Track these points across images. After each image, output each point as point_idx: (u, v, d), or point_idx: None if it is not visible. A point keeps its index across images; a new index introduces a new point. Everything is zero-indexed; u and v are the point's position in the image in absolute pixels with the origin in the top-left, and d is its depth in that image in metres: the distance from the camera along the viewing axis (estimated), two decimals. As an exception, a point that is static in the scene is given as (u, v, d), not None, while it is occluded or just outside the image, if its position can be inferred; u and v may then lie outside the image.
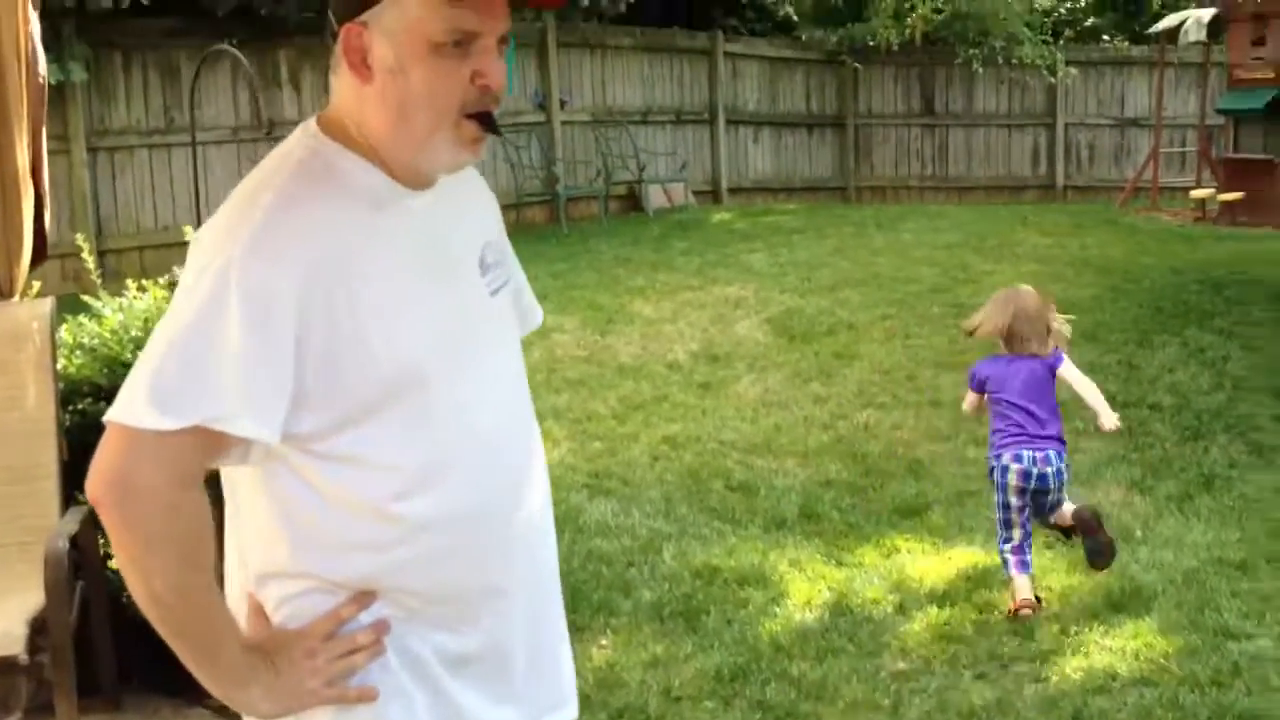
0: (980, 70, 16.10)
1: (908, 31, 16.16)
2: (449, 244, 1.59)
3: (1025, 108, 16.68)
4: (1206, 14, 13.67)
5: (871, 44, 16.14)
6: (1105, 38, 18.90)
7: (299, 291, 1.41)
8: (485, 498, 1.55)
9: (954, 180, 16.60)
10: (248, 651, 1.48)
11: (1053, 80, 16.17)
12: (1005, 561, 4.20)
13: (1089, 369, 7.14)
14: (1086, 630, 3.99)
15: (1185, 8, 16.23)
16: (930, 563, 4.67)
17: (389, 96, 1.49)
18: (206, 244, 1.47)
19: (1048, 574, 4.50)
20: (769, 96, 16.28)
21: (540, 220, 13.41)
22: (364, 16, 1.48)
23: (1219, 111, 14.00)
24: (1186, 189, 14.60)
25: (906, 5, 16.01)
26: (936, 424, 6.47)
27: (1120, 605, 4.18)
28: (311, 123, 1.57)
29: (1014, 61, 15.95)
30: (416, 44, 1.46)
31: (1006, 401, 4.34)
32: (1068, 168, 16.64)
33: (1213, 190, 13.39)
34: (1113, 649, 3.85)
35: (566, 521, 5.01)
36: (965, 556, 4.71)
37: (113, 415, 1.40)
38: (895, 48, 16.11)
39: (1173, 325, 8.02)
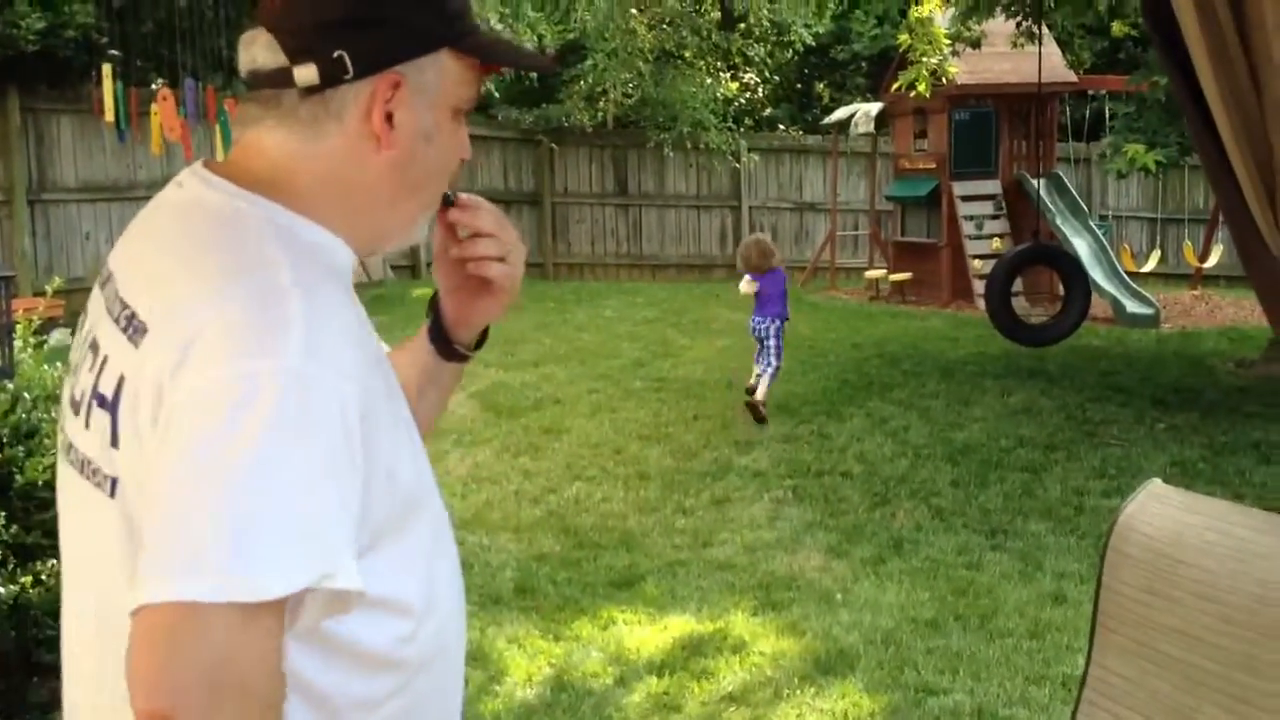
0: (670, 153, 16.77)
1: (600, 114, 16.68)
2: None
3: (713, 190, 17.46)
4: (874, 108, 14.77)
5: (566, 124, 16.55)
6: (781, 127, 20.09)
7: (356, 404, 1.11)
8: (459, 626, 1.33)
9: (648, 258, 17.14)
10: None
11: (737, 165, 17.02)
12: None
13: (785, 440, 7.56)
14: (799, 693, 4.12)
15: (852, 101, 17.51)
16: (647, 633, 4.72)
17: (409, 167, 1.26)
18: (230, 346, 1.08)
19: (758, 639, 4.63)
20: (466, 173, 16.35)
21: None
22: (402, 68, 1.23)
23: (887, 198, 15.10)
24: (860, 269, 15.64)
25: (599, 89, 16.54)
26: (645, 495, 6.59)
27: (828, 667, 4.35)
28: (211, 175, 1.26)
29: (701, 146, 16.71)
30: (445, 110, 1.27)
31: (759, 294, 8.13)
32: (753, 248, 17.48)
33: (884, 271, 14.39)
34: (824, 710, 3.99)
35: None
36: (680, 625, 4.78)
37: (189, 592, 0.99)
38: (589, 129, 16.58)
39: (858, 397, 8.51)
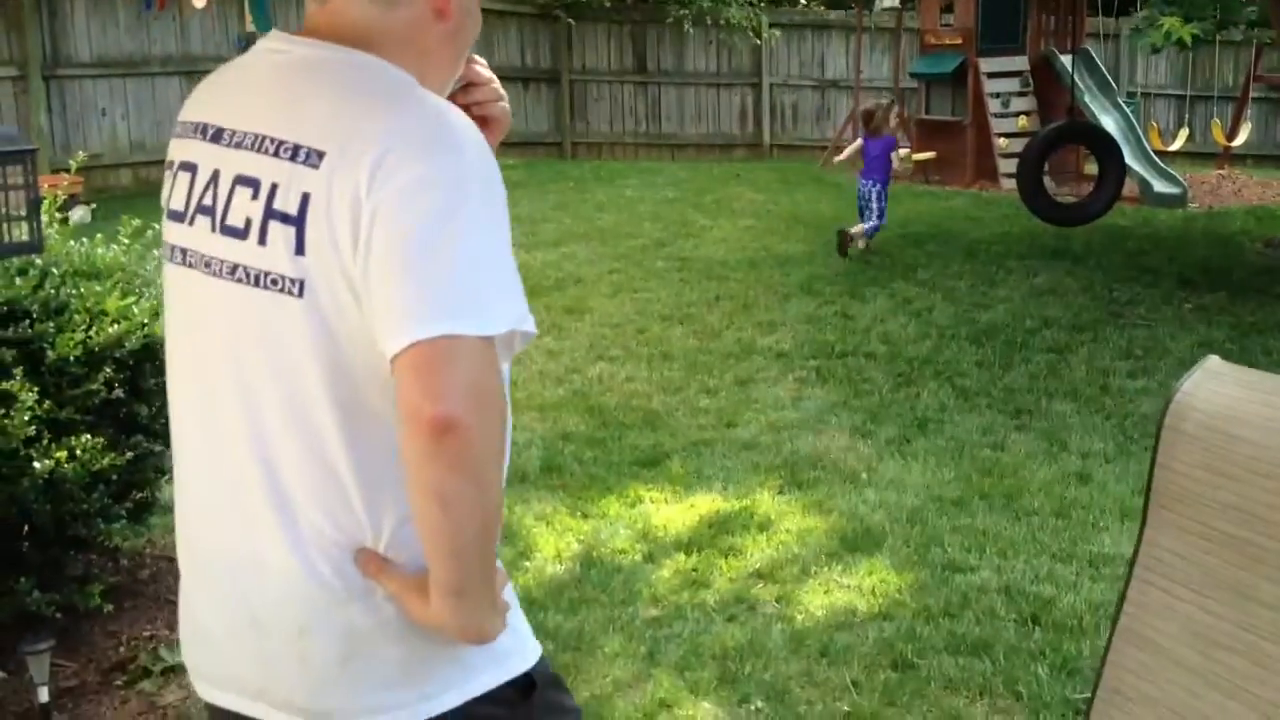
0: (690, 30, 16.44)
1: (620, -12, 16.34)
2: None
3: (733, 68, 17.15)
4: (900, -19, 14.43)
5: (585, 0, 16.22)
6: (802, 2, 19.65)
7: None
8: None
9: (667, 137, 16.92)
10: None
11: (758, 42, 16.69)
12: None
13: (807, 320, 7.53)
14: (826, 570, 4.16)
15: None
16: (674, 511, 4.75)
17: (457, 37, 1.46)
18: (443, 159, 1.31)
19: (785, 517, 4.66)
20: (483, 49, 15.94)
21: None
22: None
23: (911, 75, 14.82)
24: (883, 149, 15.42)
25: (618, -38, 16.17)
26: (669, 375, 6.59)
27: (854, 545, 4.38)
28: (308, 39, 1.44)
29: (721, 22, 16.37)
30: None
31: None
32: (774, 127, 17.24)
33: (908, 150, 14.18)
34: (851, 587, 4.03)
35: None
36: (707, 503, 4.82)
37: (461, 328, 1.25)
38: (607, 4, 16.25)
39: (881, 278, 8.45)
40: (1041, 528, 4.57)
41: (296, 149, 1.33)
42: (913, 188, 13.02)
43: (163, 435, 3.72)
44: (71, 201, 10.20)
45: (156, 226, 4.02)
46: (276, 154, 1.35)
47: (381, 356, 1.27)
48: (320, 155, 1.32)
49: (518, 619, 1.48)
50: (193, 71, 12.74)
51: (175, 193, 1.46)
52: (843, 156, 9.67)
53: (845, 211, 11.05)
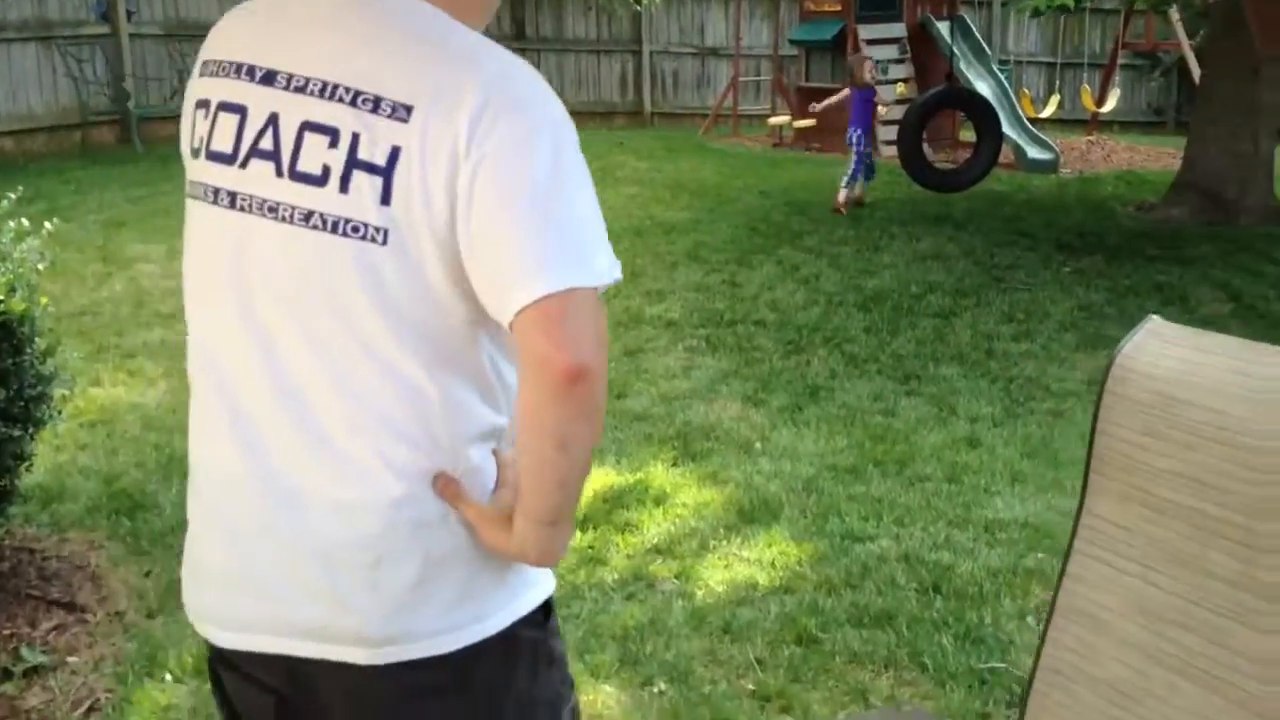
0: (569, -5, 16.23)
1: (496, -47, 15.98)
2: None
3: (613, 34, 16.97)
4: (779, -52, 14.38)
5: (460, -36, 15.85)
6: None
7: None
8: None
9: (546, 105, 16.66)
10: None
11: (638, 8, 16.53)
12: None
13: (696, 289, 7.45)
14: (724, 543, 4.08)
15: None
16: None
17: None
18: (542, 114, 1.34)
19: (680, 490, 4.57)
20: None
21: (111, 141, 12.29)
22: None
23: (791, 42, 14.81)
24: (762, 116, 15.41)
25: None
26: (556, 347, 6.44)
27: (751, 517, 4.30)
28: None
29: (601, -12, 16.18)
30: None
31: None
32: (654, 94, 17.12)
33: (788, 118, 14.18)
34: (750, 560, 3.95)
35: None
36: (600, 477, 4.69)
37: (571, 282, 1.28)
38: (484, -31, 15.90)
39: (768, 245, 8.41)
40: (936, 494, 4.55)
41: (379, 101, 1.33)
42: (795, 154, 13.03)
43: (20, 419, 3.47)
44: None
45: (13, 195, 3.74)
46: (355, 104, 1.34)
47: (460, 302, 1.34)
48: (408, 109, 1.32)
49: None
50: (49, 38, 12.13)
51: (218, 134, 1.42)
52: (828, 103, 10.74)
53: (730, 178, 10.99)
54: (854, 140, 9.84)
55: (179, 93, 12.66)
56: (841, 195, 9.57)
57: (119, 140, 12.29)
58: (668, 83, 17.24)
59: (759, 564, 3.92)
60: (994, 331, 6.68)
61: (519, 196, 1.29)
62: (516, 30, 16.74)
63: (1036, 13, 9.82)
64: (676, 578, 3.84)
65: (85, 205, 9.18)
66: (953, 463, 4.93)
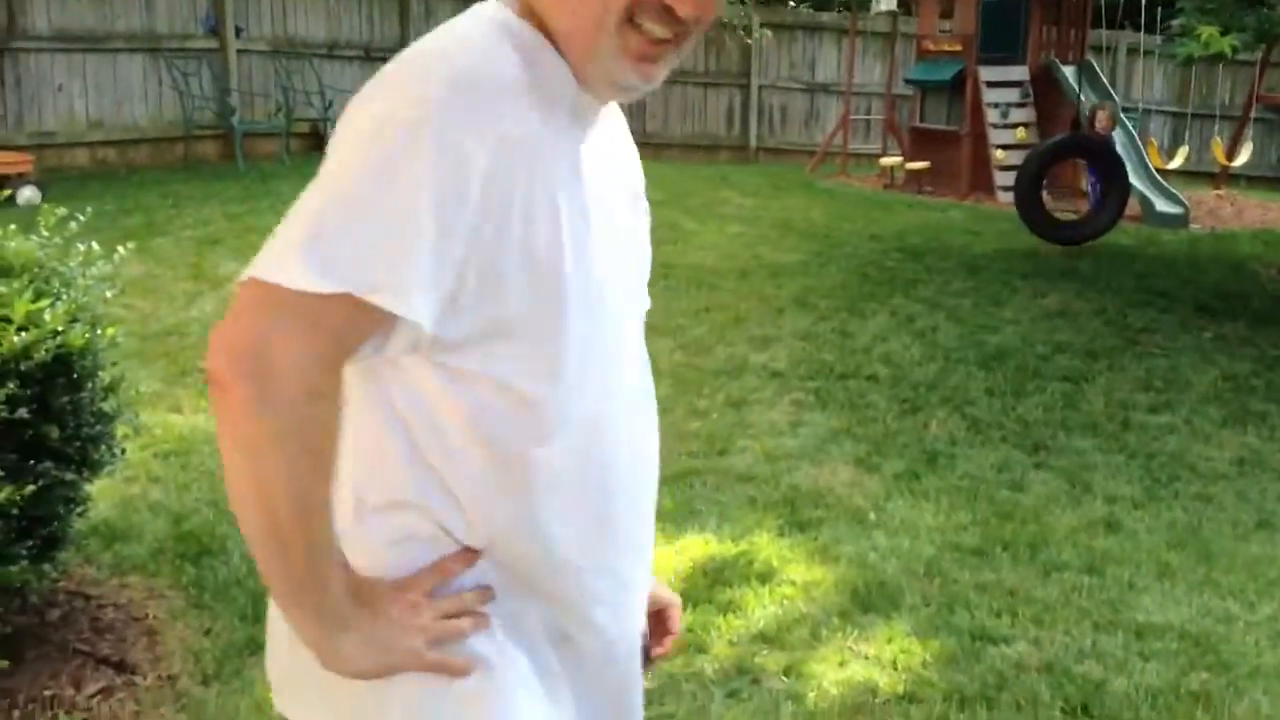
0: (679, 26, 15.91)
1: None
2: (618, 180, 1.37)
3: (721, 66, 16.64)
4: (898, -16, 13.96)
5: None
6: (792, 2, 19.18)
7: (488, 167, 1.14)
8: (628, 472, 1.35)
9: (652, 136, 16.35)
10: (349, 590, 1.22)
11: (748, 41, 16.18)
12: None
13: (804, 337, 7.03)
14: (838, 634, 3.65)
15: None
16: (663, 555, 4.22)
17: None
18: (387, 94, 1.16)
19: (787, 565, 4.15)
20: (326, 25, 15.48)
21: (212, 156, 12.24)
22: None
23: (908, 81, 14.34)
24: (872, 156, 14.94)
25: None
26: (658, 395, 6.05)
27: (868, 603, 3.87)
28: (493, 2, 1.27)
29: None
30: None
31: None
32: (761, 129, 16.74)
33: (900, 159, 13.70)
34: (869, 657, 3.52)
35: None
36: (698, 546, 4.30)
37: (255, 271, 1.12)
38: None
39: (880, 293, 7.96)
40: (1075, 588, 4.08)
41: None
42: (906, 197, 12.55)
43: (75, 461, 3.17)
44: (19, 181, 9.59)
45: (81, 217, 3.46)
46: None
47: None
48: None
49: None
50: (156, 50, 12.12)
51: None
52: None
53: (839, 219, 10.56)
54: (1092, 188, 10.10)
55: (283, 109, 12.57)
56: None
57: (221, 155, 12.22)
58: (775, 118, 16.85)
59: (878, 662, 3.49)
60: (1130, 400, 6.17)
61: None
62: (624, 59, 16.48)
63: (1189, 60, 9.25)
64: (785, 674, 3.42)
65: (182, 220, 9.03)
66: (1090, 549, 4.45)
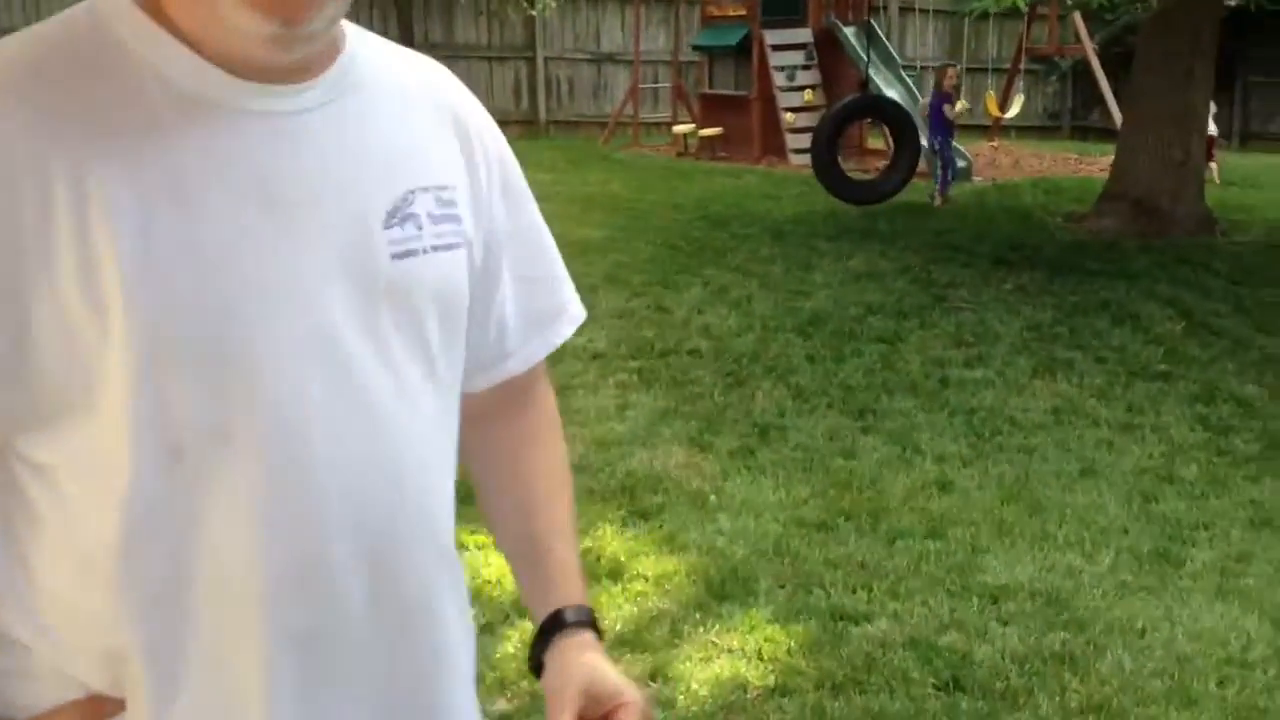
0: (460, -1, 15.59)
1: (383, -45, 15.32)
2: (328, 170, 1.04)
3: (506, 40, 16.36)
4: (679, -49, 13.93)
5: (344, -34, 15.13)
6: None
7: (12, 150, 0.91)
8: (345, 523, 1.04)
9: (438, 114, 15.99)
10: None
11: (532, 12, 15.95)
12: None
13: (620, 315, 6.90)
14: (699, 628, 3.53)
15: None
16: (501, 559, 4.04)
17: None
18: None
19: (636, 558, 4.02)
20: (233, 20, 14.79)
21: None
22: None
23: (694, 48, 14.37)
24: (663, 124, 14.95)
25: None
26: (475, 387, 5.85)
27: (723, 592, 3.77)
28: None
29: (493, -8, 15.57)
30: None
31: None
32: (549, 103, 16.55)
33: (692, 126, 13.73)
34: (732, 650, 3.42)
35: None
36: (542, 547, 4.13)
37: None
38: (371, -29, 15.22)
39: (691, 265, 7.90)
40: (922, 555, 4.07)
41: None
42: (702, 164, 12.58)
43: None
44: None
45: None
46: None
47: None
48: None
49: None
50: None
51: None
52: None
53: (640, 191, 10.48)
54: (937, 146, 10.47)
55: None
56: (938, 200, 10.37)
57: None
58: (563, 90, 16.69)
59: (744, 655, 3.39)
60: (944, 357, 6.26)
61: None
62: (404, 35, 16.01)
63: (984, 14, 9.49)
64: (651, 678, 3.29)
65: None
66: (928, 512, 4.47)
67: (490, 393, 1.26)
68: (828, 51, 13.06)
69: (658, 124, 15.13)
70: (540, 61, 16.37)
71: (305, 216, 1.01)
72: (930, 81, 16.50)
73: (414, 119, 1.12)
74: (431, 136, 1.13)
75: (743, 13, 13.17)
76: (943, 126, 10.69)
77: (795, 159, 12.36)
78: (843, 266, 7.93)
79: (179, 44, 0.97)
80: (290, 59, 0.98)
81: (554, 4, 16.01)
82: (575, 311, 1.33)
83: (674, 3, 15.28)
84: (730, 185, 10.96)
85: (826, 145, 8.97)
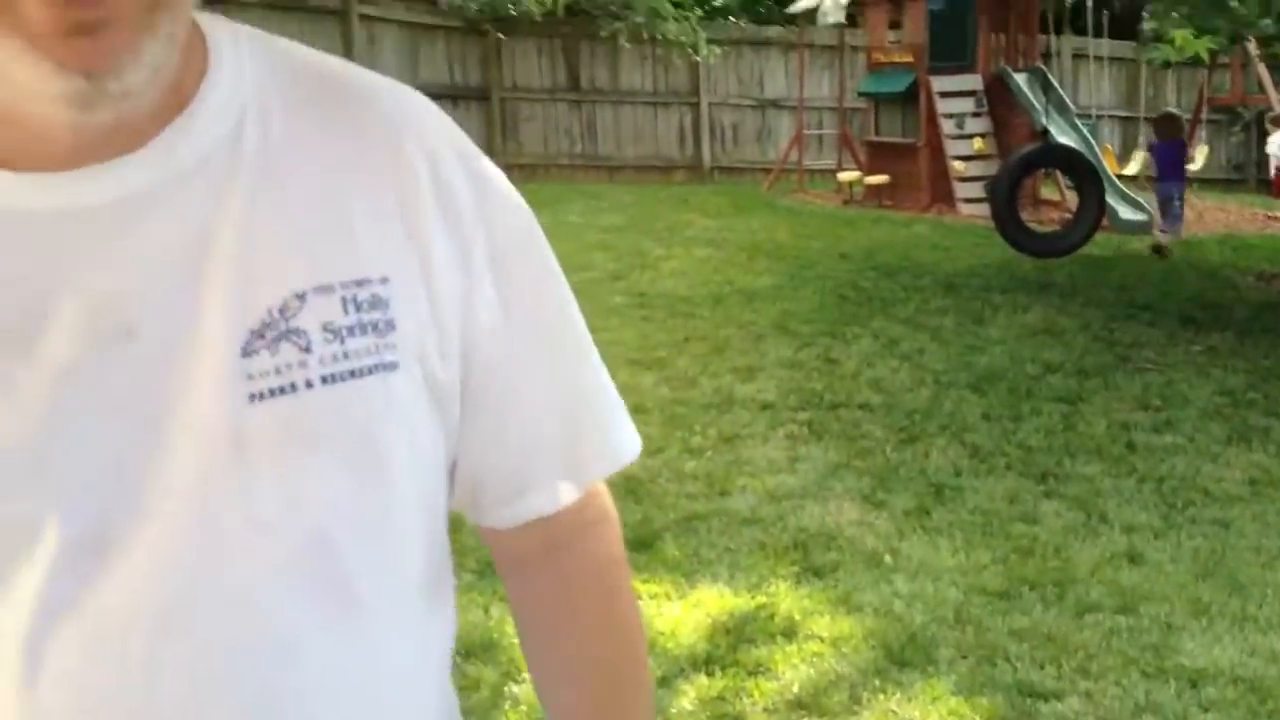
0: (625, 45, 15.75)
1: (549, 2, 15.60)
2: (151, 280, 0.73)
3: (670, 86, 16.49)
4: (845, -3, 13.85)
5: (514, 13, 15.46)
6: (732, 18, 19.08)
7: None
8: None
9: (604, 158, 16.18)
10: None
11: (696, 59, 16.04)
12: None
13: (789, 365, 6.83)
14: (878, 696, 3.43)
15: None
16: (679, 612, 4.00)
17: None
18: None
19: (810, 618, 3.93)
20: (409, 65, 15.22)
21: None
22: None
23: (860, 94, 14.25)
24: (826, 171, 14.84)
25: (548, -27, 15.47)
26: (646, 432, 5.69)
27: (902, 657, 3.66)
28: None
29: (657, 37, 15.70)
30: None
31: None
32: (714, 148, 16.60)
33: (858, 173, 13.60)
34: (915, 720, 3.31)
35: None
36: (715, 599, 4.07)
37: None
38: (538, 18, 15.51)
39: (860, 315, 7.79)
40: (1113, 631, 3.89)
41: None
42: (868, 212, 12.44)
43: None
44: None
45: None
46: None
47: None
48: None
49: None
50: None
51: None
52: (1132, 170, 11.61)
53: (806, 238, 10.40)
54: (1172, 194, 10.48)
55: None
56: (1164, 239, 10.27)
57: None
58: (727, 136, 16.72)
59: (927, 728, 3.28)
60: (1130, 420, 6.02)
61: None
62: (571, 81, 16.28)
63: (1165, 64, 9.20)
64: (832, 747, 3.20)
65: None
66: (1118, 585, 4.27)
67: (515, 533, 0.95)
68: (998, 99, 12.82)
69: (822, 171, 15.04)
70: (704, 107, 16.45)
71: (112, 359, 0.72)
72: (1106, 130, 16.08)
73: (318, 177, 0.80)
74: (351, 203, 0.80)
75: (909, 59, 13.02)
76: (1177, 172, 10.66)
77: (965, 208, 12.14)
78: (1018, 321, 7.72)
79: None
80: (96, 121, 0.71)
81: (719, 50, 16.08)
82: (619, 441, 0.99)
83: (839, 49, 15.20)
84: (898, 234, 10.80)
85: (1007, 195, 8.78)
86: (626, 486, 5.20)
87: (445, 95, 15.56)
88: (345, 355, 0.77)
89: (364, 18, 14.39)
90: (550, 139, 16.23)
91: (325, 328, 0.76)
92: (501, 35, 15.71)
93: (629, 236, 9.89)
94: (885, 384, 6.55)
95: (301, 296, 0.76)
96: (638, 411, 6.01)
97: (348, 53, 14.06)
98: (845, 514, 4.93)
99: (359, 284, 0.78)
